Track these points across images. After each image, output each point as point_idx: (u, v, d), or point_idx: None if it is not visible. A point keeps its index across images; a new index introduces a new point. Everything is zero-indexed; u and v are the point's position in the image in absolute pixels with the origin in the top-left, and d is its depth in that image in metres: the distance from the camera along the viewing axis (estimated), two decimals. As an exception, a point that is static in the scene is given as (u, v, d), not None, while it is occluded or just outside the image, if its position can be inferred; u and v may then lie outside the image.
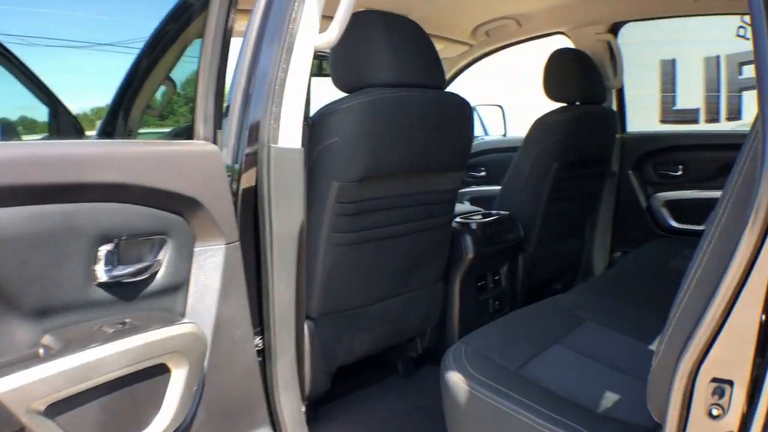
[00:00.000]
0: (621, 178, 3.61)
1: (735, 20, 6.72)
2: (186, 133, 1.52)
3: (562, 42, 3.57)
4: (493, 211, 2.96)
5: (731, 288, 1.04)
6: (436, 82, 2.15)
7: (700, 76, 7.22)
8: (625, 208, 3.63)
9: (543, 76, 3.06)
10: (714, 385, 1.09)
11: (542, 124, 2.97)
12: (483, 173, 4.28)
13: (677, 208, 3.52)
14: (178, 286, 1.37)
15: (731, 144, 3.32)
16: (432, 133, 2.12)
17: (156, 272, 1.31)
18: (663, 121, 7.40)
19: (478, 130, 4.54)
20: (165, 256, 1.33)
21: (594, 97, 3.12)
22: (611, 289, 2.40)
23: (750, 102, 6.96)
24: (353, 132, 1.90)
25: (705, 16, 5.17)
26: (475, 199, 4.14)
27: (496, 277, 2.85)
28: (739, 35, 6.84)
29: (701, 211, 3.36)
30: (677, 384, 1.12)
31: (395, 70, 1.99)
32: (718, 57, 7.15)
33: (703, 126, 7.21)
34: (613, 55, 3.53)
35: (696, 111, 7.29)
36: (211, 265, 1.40)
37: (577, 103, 3.09)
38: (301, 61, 1.55)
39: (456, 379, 1.56)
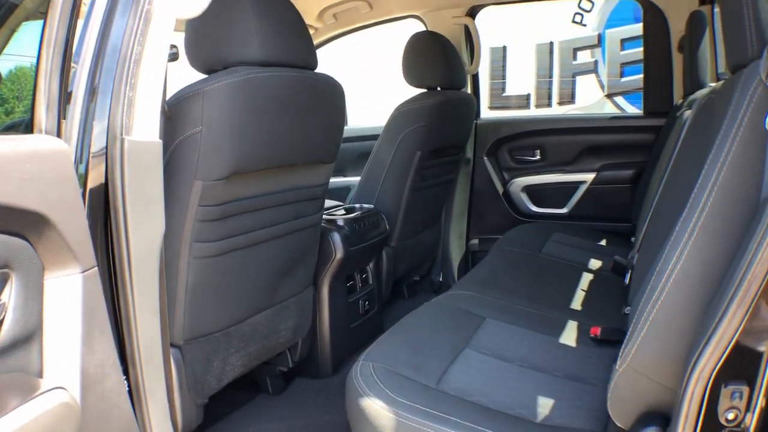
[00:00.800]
0: (475, 165, 3.58)
1: (572, 7, 7.04)
2: (23, 126, 1.17)
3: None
4: (357, 205, 2.79)
5: (752, 288, 0.96)
6: (309, 62, 1.91)
7: (532, 62, 7.52)
8: (480, 194, 3.61)
9: (402, 62, 2.93)
10: (731, 388, 1.03)
11: (404, 112, 2.84)
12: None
13: (536, 193, 3.54)
14: (30, 336, 1.05)
15: (590, 127, 3.39)
16: (306, 120, 1.89)
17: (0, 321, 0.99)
18: (491, 107, 7.65)
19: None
20: (10, 296, 1.00)
21: (455, 83, 3.04)
22: (496, 282, 2.31)
23: (583, 87, 7.33)
24: (220, 119, 1.61)
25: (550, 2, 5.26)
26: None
27: (364, 276, 2.68)
28: (575, 21, 7.17)
29: (560, 194, 3.43)
30: (691, 389, 1.04)
31: (266, 47, 1.72)
32: (551, 43, 7.46)
33: (556, 109, 7.51)
34: (470, 39, 3.46)
35: (527, 96, 7.59)
36: (67, 302, 1.09)
37: (438, 88, 2.99)
38: (159, 35, 1.27)
39: (376, 407, 1.36)
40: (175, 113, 1.58)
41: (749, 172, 1.05)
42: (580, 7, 6.95)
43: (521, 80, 7.37)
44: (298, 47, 1.86)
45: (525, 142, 3.55)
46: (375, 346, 1.61)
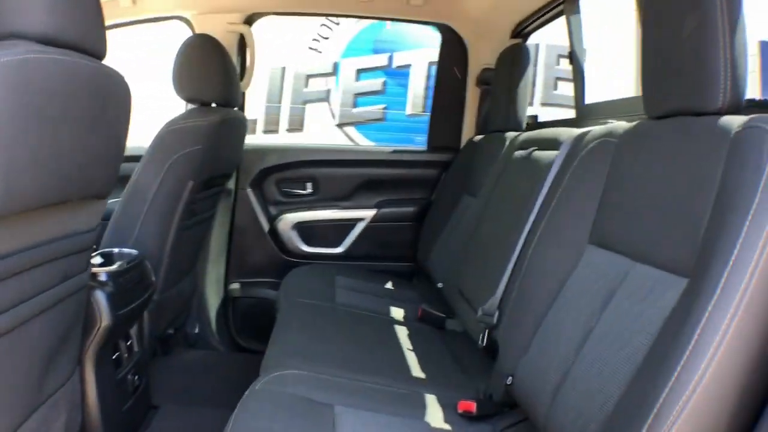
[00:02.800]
0: (237, 197, 3.06)
1: (312, 33, 6.80)
2: None
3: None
4: (115, 250, 2.09)
5: None
6: (99, 48, 1.27)
7: (263, 86, 7.14)
8: (242, 232, 3.09)
9: (174, 69, 2.32)
10: None
11: (176, 131, 2.22)
12: None
13: (308, 231, 3.11)
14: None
15: (369, 160, 3.08)
16: (90, 134, 1.25)
17: None
18: None
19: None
20: None
21: (232, 100, 2.49)
22: (315, 350, 1.84)
23: (314, 115, 7.13)
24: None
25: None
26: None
27: (129, 343, 2.01)
28: (311, 48, 6.94)
29: (335, 232, 3.08)
30: None
31: (56, 16, 1.12)
32: (284, 68, 7.15)
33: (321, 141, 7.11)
34: (244, 51, 2.95)
35: (254, 122, 7.17)
36: None
37: (214, 104, 2.42)
38: None
39: None
40: None
41: None
42: (318, 34, 6.77)
43: (250, 105, 6.94)
44: (91, 23, 1.24)
45: (295, 173, 3.11)
46: None
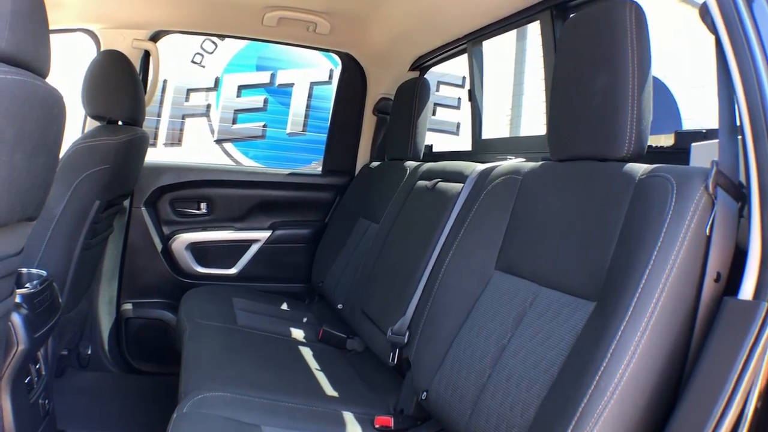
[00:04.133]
0: (131, 216, 3.02)
1: (195, 47, 6.69)
2: None
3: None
4: (24, 270, 2.02)
5: None
6: (44, 66, 1.27)
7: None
8: (135, 251, 3.05)
9: (84, 84, 2.29)
10: None
11: (84, 148, 2.20)
12: None
13: (202, 251, 3.11)
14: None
15: (264, 182, 3.13)
16: (29, 153, 1.25)
17: None
18: None
19: None
20: None
21: (138, 118, 2.49)
22: (232, 372, 1.87)
23: (193, 130, 6.99)
24: None
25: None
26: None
27: (38, 366, 1.95)
28: (194, 62, 6.82)
29: (229, 253, 3.11)
30: None
31: (18, 32, 1.14)
32: (165, 81, 6.97)
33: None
34: (147, 67, 2.92)
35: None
36: None
37: (120, 122, 2.40)
38: None
39: None
40: None
41: (691, 274, 1.05)
42: (202, 47, 6.68)
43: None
44: (41, 40, 1.24)
45: (190, 192, 3.11)
46: None
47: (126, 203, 2.94)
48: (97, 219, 2.26)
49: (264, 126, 6.96)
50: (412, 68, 3.03)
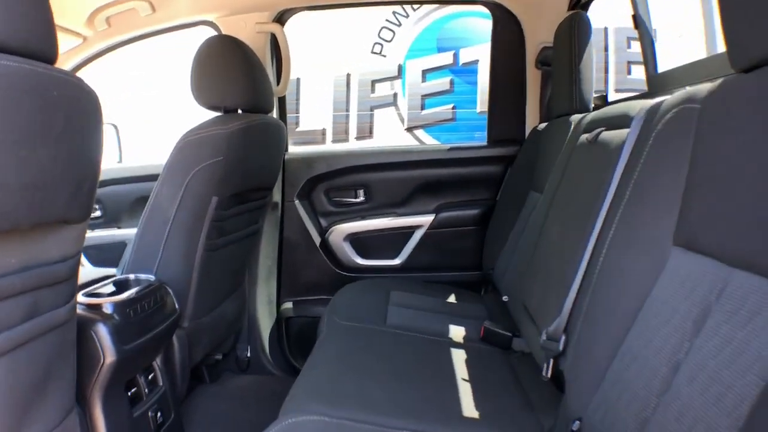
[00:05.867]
0: (285, 210, 2.82)
1: (373, 37, 6.59)
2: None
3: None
4: (131, 276, 1.90)
5: None
6: (51, 51, 1.10)
7: (329, 95, 6.96)
8: (292, 247, 2.86)
9: (192, 74, 2.10)
10: None
11: (193, 142, 1.99)
12: (99, 213, 3.06)
13: (362, 242, 2.86)
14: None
15: (424, 161, 2.80)
16: (46, 147, 1.07)
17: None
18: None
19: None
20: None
21: (261, 105, 2.25)
22: (347, 388, 1.58)
23: (382, 120, 6.89)
24: None
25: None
26: (89, 249, 2.95)
27: (151, 376, 1.81)
28: (374, 52, 6.71)
29: (391, 242, 2.81)
30: None
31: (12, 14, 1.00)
32: (348, 75, 6.94)
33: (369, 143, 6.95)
34: (278, 53, 2.71)
35: (322, 132, 7.00)
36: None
37: (239, 111, 2.19)
38: None
39: None
40: None
41: None
42: (380, 37, 6.54)
43: (317, 114, 6.80)
44: (44, 24, 1.08)
45: (345, 180, 2.86)
46: None
47: (277, 197, 2.76)
48: (219, 216, 2.05)
49: (453, 108, 6.69)
50: (572, 7, 2.51)
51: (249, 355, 2.74)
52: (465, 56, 6.55)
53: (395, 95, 6.75)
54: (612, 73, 6.32)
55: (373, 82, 6.75)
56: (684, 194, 1.06)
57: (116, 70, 5.74)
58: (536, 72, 2.67)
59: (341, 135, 6.90)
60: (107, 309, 1.60)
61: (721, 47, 1.04)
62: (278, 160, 2.54)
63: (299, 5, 2.67)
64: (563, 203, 1.77)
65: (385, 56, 6.63)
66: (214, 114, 2.16)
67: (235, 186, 2.10)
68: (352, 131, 6.90)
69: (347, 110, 6.88)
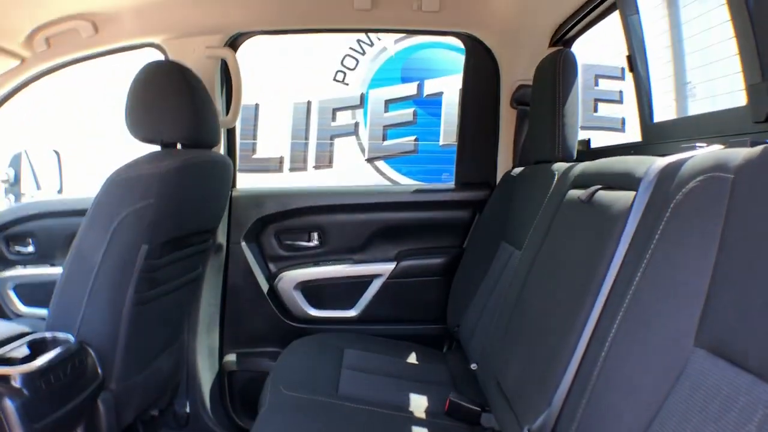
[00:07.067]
0: (230, 253, 2.56)
1: (335, 64, 6.39)
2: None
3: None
4: (48, 335, 1.63)
5: None
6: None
7: (288, 122, 6.72)
8: (237, 293, 2.58)
9: (126, 104, 1.85)
10: None
11: (120, 182, 1.73)
12: (32, 249, 2.74)
13: (314, 291, 2.60)
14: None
15: (386, 203, 2.63)
16: None
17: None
18: (241, 170, 6.76)
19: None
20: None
21: (205, 138, 1.99)
22: None
23: (342, 150, 6.66)
24: None
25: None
26: (22, 287, 2.64)
27: None
28: (336, 80, 6.50)
29: (346, 291, 2.61)
30: None
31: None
32: (309, 102, 6.72)
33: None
34: (229, 79, 2.46)
35: (280, 159, 6.75)
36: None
37: (179, 146, 1.93)
38: None
39: None
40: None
41: None
42: (343, 65, 6.34)
43: (274, 141, 6.56)
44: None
45: (298, 221, 2.60)
46: None
47: (222, 239, 2.49)
48: (150, 267, 1.78)
49: (415, 140, 6.52)
50: (553, 43, 2.32)
51: (188, 410, 2.47)
52: (429, 87, 6.42)
53: (356, 124, 6.57)
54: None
55: (335, 110, 6.55)
56: (710, 284, 0.84)
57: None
58: (511, 111, 2.47)
59: (299, 163, 6.67)
60: (16, 382, 1.40)
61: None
62: (223, 199, 2.28)
63: (254, 29, 2.43)
64: (548, 267, 1.53)
65: (347, 84, 6.45)
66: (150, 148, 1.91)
67: (168, 232, 1.84)
68: (311, 160, 6.68)
69: (306, 138, 6.66)
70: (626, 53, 1.89)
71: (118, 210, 1.70)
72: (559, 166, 1.79)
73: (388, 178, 6.53)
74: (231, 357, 2.58)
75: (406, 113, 6.49)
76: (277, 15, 2.40)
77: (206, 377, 2.50)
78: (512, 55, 2.44)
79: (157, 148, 1.91)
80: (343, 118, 6.55)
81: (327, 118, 6.56)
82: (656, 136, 1.77)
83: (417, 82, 6.41)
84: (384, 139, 6.54)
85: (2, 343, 1.54)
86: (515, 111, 2.47)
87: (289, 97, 6.51)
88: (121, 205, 1.70)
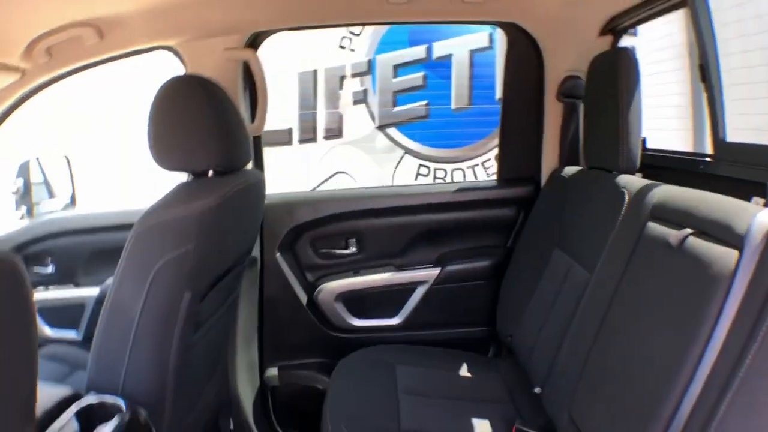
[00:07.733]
0: (264, 265, 2.43)
1: (340, 30, 6.13)
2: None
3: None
4: (93, 399, 1.51)
5: None
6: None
7: (295, 92, 6.49)
8: (275, 306, 2.46)
9: (149, 130, 1.67)
10: None
11: (154, 228, 1.57)
12: (51, 270, 2.60)
13: (355, 301, 2.48)
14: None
15: (426, 204, 2.49)
16: None
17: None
18: None
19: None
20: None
21: (237, 161, 1.82)
22: None
23: (352, 118, 6.46)
24: None
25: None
26: (46, 311, 2.52)
27: None
28: (342, 47, 6.26)
29: (389, 299, 2.47)
30: None
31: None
32: (315, 71, 6.48)
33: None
34: (251, 82, 2.30)
35: (288, 131, 6.55)
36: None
37: (211, 173, 1.75)
38: None
39: None
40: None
41: None
42: (348, 30, 6.09)
43: (282, 113, 6.36)
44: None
45: (333, 228, 2.47)
46: None
47: (257, 252, 2.36)
48: (194, 312, 1.65)
49: (426, 104, 6.34)
50: (603, 32, 2.14)
51: (232, 428, 2.38)
52: (439, 50, 6.21)
53: (365, 91, 6.37)
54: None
55: (341, 77, 6.34)
56: None
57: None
58: (557, 104, 2.30)
59: (309, 134, 6.49)
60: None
61: None
62: (259, 218, 2.15)
63: (275, 27, 2.25)
64: (634, 310, 1.40)
65: (353, 50, 6.23)
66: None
67: (210, 273, 1.71)
68: (320, 130, 6.50)
69: (314, 108, 6.46)
70: (697, 62, 1.71)
71: (155, 259, 1.54)
72: (628, 182, 1.64)
73: (400, 145, 6.37)
74: (272, 371, 2.49)
75: (415, 78, 6.29)
76: (302, 10, 2.21)
77: (247, 393, 2.40)
78: (558, 44, 2.26)
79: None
80: (352, 86, 6.36)
81: (335, 86, 6.37)
82: (729, 156, 1.61)
83: (425, 45, 6.19)
84: (394, 105, 6.35)
85: (48, 418, 1.42)
86: (561, 104, 2.31)
87: (293, 67, 6.30)
88: (156, 254, 1.54)
